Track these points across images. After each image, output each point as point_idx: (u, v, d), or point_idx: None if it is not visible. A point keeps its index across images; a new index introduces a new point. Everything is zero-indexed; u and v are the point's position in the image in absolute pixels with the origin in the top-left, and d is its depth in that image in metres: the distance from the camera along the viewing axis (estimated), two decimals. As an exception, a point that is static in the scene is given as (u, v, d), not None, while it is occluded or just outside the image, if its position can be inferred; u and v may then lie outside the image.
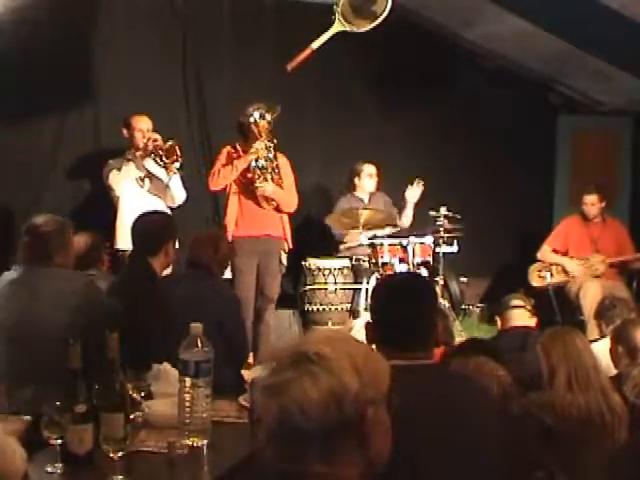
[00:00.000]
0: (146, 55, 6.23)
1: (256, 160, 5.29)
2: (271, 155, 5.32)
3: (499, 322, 4.35)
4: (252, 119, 5.23)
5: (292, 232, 5.60)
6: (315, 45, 4.93)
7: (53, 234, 3.13)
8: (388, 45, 6.52)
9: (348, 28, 4.97)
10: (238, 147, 5.43)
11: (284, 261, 5.52)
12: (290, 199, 5.48)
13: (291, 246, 5.56)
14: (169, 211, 5.02)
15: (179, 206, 5.46)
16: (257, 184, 5.29)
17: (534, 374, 3.07)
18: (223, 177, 5.32)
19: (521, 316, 4.22)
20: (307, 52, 4.94)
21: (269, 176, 5.32)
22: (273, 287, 5.48)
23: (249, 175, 5.32)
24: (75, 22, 5.94)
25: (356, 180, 6.36)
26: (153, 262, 3.44)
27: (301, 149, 6.72)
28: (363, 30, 4.99)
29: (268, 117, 5.23)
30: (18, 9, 5.39)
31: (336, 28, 4.95)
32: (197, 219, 6.12)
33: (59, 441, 2.13)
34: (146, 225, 3.56)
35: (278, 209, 5.43)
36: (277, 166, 5.36)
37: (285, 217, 5.51)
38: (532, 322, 4.25)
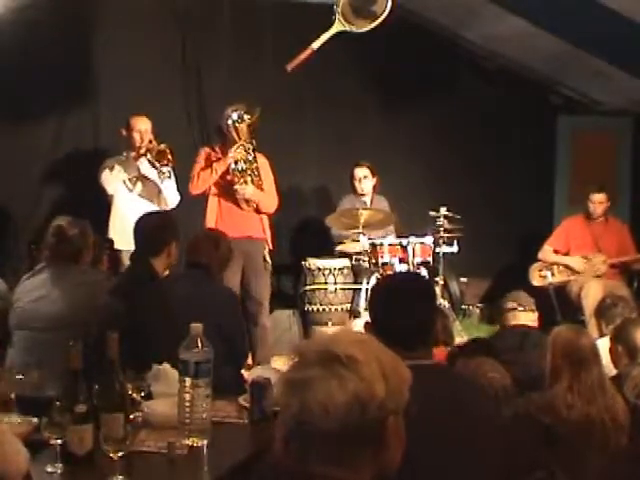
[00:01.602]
0: (146, 55, 6.24)
1: (235, 163, 5.27)
2: (251, 157, 5.31)
3: (500, 323, 4.31)
4: (230, 121, 5.21)
5: (291, 232, 5.60)
6: (315, 45, 4.93)
7: (78, 236, 3.50)
8: (388, 45, 6.52)
9: (348, 28, 4.96)
10: (217, 149, 5.42)
11: (268, 259, 5.50)
12: (270, 200, 5.47)
13: (271, 247, 5.55)
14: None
15: (178, 207, 5.47)
16: (237, 187, 5.28)
17: (536, 374, 3.06)
18: (203, 181, 5.30)
19: (520, 316, 4.19)
20: (307, 52, 4.94)
21: (249, 178, 5.31)
22: (261, 288, 5.42)
23: (228, 177, 5.31)
24: (75, 22, 5.95)
25: (353, 182, 6.36)
26: (155, 262, 3.44)
27: (300, 149, 6.73)
28: (363, 30, 4.98)
29: (247, 119, 5.22)
30: (18, 9, 5.40)
31: (336, 28, 4.94)
32: (196, 220, 6.11)
33: (59, 441, 2.13)
34: (149, 225, 3.56)
35: (258, 210, 5.43)
36: (257, 168, 5.35)
37: (265, 218, 5.49)
38: (534, 318, 4.22)
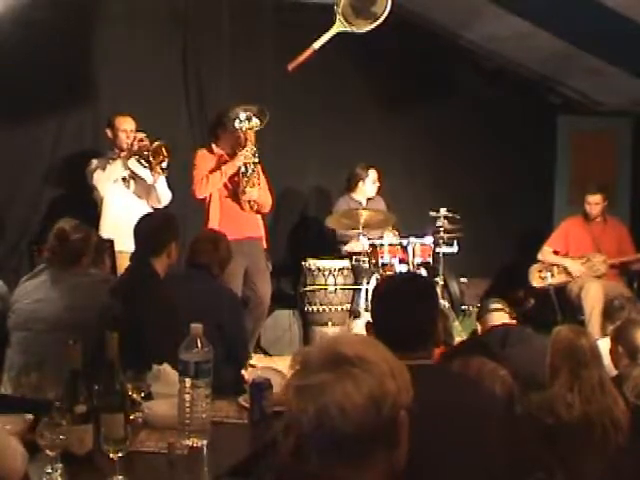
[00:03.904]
0: (146, 55, 6.23)
1: (244, 166, 5.28)
2: (256, 159, 5.32)
3: (479, 327, 4.32)
4: (237, 121, 5.20)
5: (291, 233, 5.60)
6: (316, 45, 4.93)
7: (80, 240, 3.49)
8: (388, 46, 6.52)
9: (348, 29, 4.97)
10: (214, 148, 5.40)
11: (268, 258, 5.57)
12: (268, 201, 5.52)
13: (265, 246, 5.58)
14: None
15: (178, 207, 5.46)
16: (246, 189, 5.29)
17: (525, 370, 3.07)
18: (212, 184, 5.28)
19: (500, 318, 4.20)
20: (308, 52, 4.94)
21: (255, 180, 5.32)
22: (266, 287, 5.47)
23: (236, 179, 5.32)
24: (75, 22, 5.93)
25: (360, 184, 6.35)
26: (155, 263, 3.44)
27: (300, 150, 6.73)
28: (363, 31, 4.98)
29: (255, 122, 5.22)
30: (18, 9, 5.39)
31: (337, 28, 4.94)
32: (196, 220, 6.12)
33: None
34: (149, 225, 3.56)
35: (258, 211, 5.46)
36: (259, 170, 5.38)
37: (260, 217, 5.53)
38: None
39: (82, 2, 6.04)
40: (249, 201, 5.35)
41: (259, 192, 5.35)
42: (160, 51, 6.35)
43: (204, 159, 5.37)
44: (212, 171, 5.29)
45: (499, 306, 4.21)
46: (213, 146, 5.43)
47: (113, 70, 6.10)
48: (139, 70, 6.17)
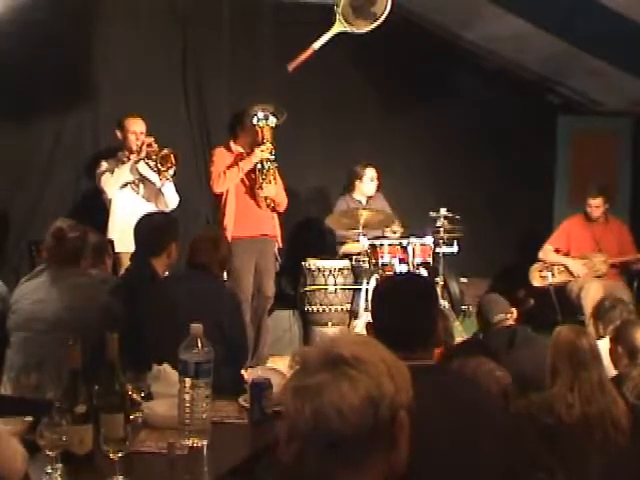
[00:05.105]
0: (146, 55, 6.23)
1: (261, 162, 5.32)
2: (273, 157, 5.34)
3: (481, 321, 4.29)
4: (255, 119, 5.25)
5: (291, 233, 5.60)
6: (316, 45, 4.94)
7: (78, 239, 3.46)
8: (388, 46, 6.52)
9: (348, 29, 4.98)
10: (232, 146, 5.43)
11: (278, 257, 5.60)
12: (284, 199, 5.56)
13: (281, 245, 5.59)
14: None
15: (178, 207, 5.47)
16: (263, 185, 5.32)
17: (531, 372, 3.07)
18: (229, 180, 5.33)
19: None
20: (308, 52, 4.96)
21: (271, 178, 5.35)
22: (271, 286, 5.54)
23: (253, 176, 5.35)
24: (75, 22, 5.94)
25: (357, 183, 6.36)
26: (155, 263, 3.45)
27: (301, 150, 6.73)
28: (363, 31, 4.99)
29: (272, 119, 5.26)
30: (18, 9, 5.39)
31: (336, 29, 4.96)
32: (197, 220, 6.13)
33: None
34: (149, 226, 3.57)
35: (274, 209, 5.47)
36: (277, 167, 5.39)
37: (276, 216, 5.56)
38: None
39: (82, 2, 6.04)
40: (266, 198, 5.37)
41: (276, 189, 5.39)
42: (160, 51, 6.35)
43: (222, 156, 5.41)
44: (229, 167, 5.32)
45: (503, 317, 4.16)
46: (231, 144, 5.48)
47: (113, 70, 6.10)
48: (139, 70, 6.17)
